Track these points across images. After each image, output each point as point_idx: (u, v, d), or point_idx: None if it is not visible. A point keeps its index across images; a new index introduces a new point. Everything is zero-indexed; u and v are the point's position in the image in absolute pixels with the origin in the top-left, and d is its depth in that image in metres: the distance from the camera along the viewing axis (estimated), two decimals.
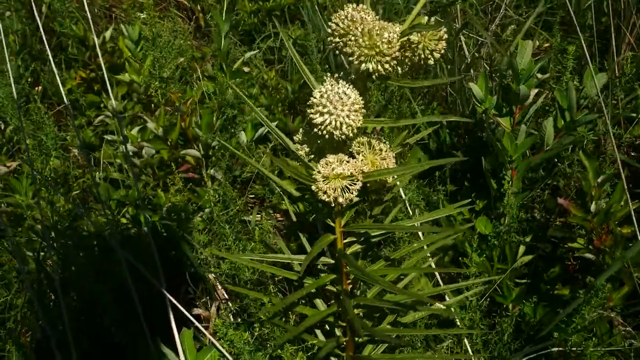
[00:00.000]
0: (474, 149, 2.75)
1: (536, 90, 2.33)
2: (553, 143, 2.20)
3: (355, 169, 1.15)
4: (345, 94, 1.12)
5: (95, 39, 3.47)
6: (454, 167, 2.83)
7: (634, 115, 2.60)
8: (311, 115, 1.12)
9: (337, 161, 1.15)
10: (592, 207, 1.98)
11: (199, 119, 2.90)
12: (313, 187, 1.14)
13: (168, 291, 2.26)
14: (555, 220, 2.45)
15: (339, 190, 1.14)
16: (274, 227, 2.93)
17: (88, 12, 2.19)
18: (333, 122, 1.10)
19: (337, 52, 1.17)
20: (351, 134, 1.13)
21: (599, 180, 2.01)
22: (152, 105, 3.29)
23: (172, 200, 2.71)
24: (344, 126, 1.10)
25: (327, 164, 1.14)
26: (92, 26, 2.28)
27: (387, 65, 1.13)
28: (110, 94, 2.26)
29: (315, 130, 1.12)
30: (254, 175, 2.98)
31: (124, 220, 2.68)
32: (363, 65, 1.12)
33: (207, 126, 2.81)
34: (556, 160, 2.50)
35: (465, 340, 2.10)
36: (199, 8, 4.46)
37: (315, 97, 1.12)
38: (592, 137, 2.25)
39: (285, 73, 3.75)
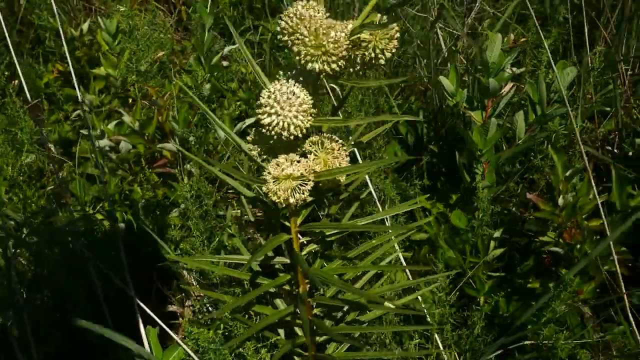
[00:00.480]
0: (450, 142, 2.75)
1: (510, 84, 2.33)
2: (525, 137, 2.20)
3: (306, 169, 1.14)
4: (294, 93, 1.10)
5: (73, 31, 3.45)
6: (431, 160, 2.83)
7: (608, 109, 2.60)
8: (259, 116, 1.11)
9: (288, 161, 1.14)
10: (560, 201, 1.98)
11: (177, 113, 2.88)
12: (264, 189, 1.13)
13: (142, 288, 2.26)
14: (530, 214, 2.46)
15: (290, 191, 1.13)
16: (248, 222, 2.93)
17: (54, 6, 2.16)
18: (280, 123, 1.09)
19: (286, 50, 1.16)
20: (300, 135, 1.11)
21: (567, 174, 2.01)
22: (130, 99, 3.26)
23: (148, 196, 2.70)
24: (292, 127, 1.09)
25: (277, 165, 1.13)
26: (60, 18, 2.26)
27: (334, 65, 1.12)
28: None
29: (264, 131, 1.11)
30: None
31: (99, 216, 2.67)
32: (309, 65, 1.11)
33: (184, 121, 2.79)
34: (532, 154, 2.50)
35: (436, 336, 2.10)
36: (180, 1, 4.43)
37: (263, 97, 1.11)
38: (563, 131, 2.25)
39: (265, 67, 3.73)
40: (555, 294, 1.87)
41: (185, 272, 2.48)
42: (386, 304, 1.15)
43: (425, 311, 2.03)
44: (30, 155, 2.87)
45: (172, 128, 2.74)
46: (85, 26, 3.48)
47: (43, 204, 2.66)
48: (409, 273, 2.10)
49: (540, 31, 1.78)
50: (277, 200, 1.13)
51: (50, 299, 2.37)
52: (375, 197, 2.03)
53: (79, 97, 2.60)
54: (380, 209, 2.13)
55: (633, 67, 2.83)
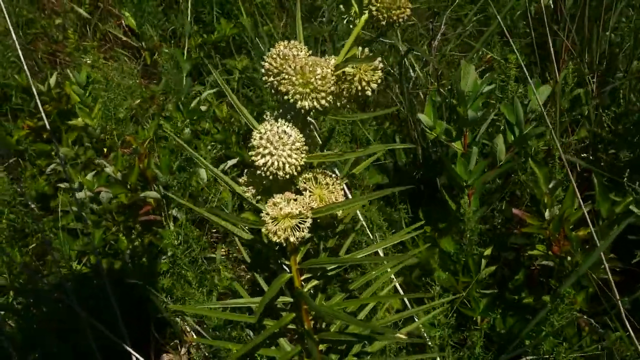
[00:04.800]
0: (429, 167, 2.78)
1: (484, 110, 2.36)
2: (506, 157, 2.22)
3: (303, 207, 1.14)
4: (285, 132, 1.10)
5: (40, 86, 3.43)
6: (412, 183, 2.85)
7: (579, 117, 2.66)
8: (253, 158, 1.10)
9: (285, 200, 1.14)
10: (547, 214, 2.01)
11: (158, 159, 2.87)
12: (263, 230, 1.13)
13: (135, 339, 2.22)
14: (516, 227, 2.48)
15: (289, 230, 1.12)
16: (238, 261, 2.91)
17: (24, 64, 2.15)
18: (275, 163, 1.09)
19: (273, 91, 1.16)
20: (295, 173, 1.11)
21: (550, 186, 2.04)
22: (105, 149, 3.24)
23: (134, 245, 2.67)
24: (287, 166, 1.09)
25: (274, 205, 1.13)
26: (29, 76, 2.24)
27: (323, 102, 1.12)
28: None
29: (259, 172, 1.11)
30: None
31: (85, 270, 2.63)
32: (299, 103, 1.11)
33: (166, 167, 2.78)
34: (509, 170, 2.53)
35: (438, 359, 2.10)
36: (143, 46, 4.43)
37: (255, 139, 1.11)
38: (542, 147, 2.29)
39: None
40: (552, 307, 1.88)
41: (179, 320, 2.44)
42: (397, 334, 1.15)
43: (426, 335, 2.03)
44: (9, 215, 2.82)
45: (155, 175, 2.72)
46: (52, 80, 3.46)
47: (27, 260, 2.61)
48: (406, 299, 2.10)
49: (516, 50, 1.82)
50: (277, 241, 1.12)
51: (44, 358, 2.32)
52: (365, 225, 2.03)
53: (55, 151, 2.58)
54: (371, 236, 2.14)
55: (597, 74, 2.90)
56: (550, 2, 3.03)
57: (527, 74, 1.82)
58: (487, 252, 2.23)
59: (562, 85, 2.37)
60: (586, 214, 1.71)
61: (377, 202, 2.71)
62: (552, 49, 2.44)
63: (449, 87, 3.09)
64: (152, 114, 3.52)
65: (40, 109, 2.38)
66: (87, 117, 3.18)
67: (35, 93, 2.35)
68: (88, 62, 3.77)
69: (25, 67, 2.37)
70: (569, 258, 1.96)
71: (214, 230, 3.06)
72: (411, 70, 3.03)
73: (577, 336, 2.15)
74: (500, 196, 2.45)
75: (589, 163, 2.54)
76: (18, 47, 2.30)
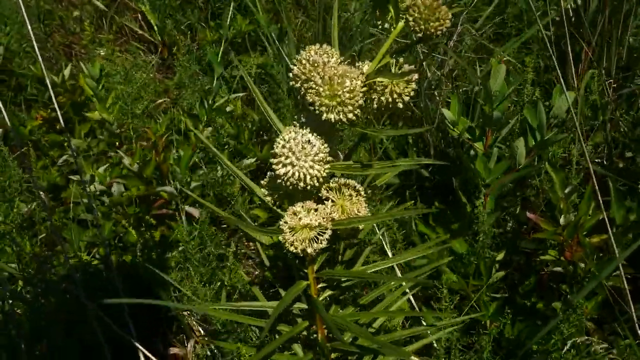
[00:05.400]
0: (443, 167, 2.76)
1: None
2: (525, 162, 2.21)
3: (324, 218, 1.11)
4: (309, 142, 1.07)
5: (55, 77, 3.43)
6: (422, 184, 2.85)
7: (595, 123, 2.64)
8: (273, 166, 1.08)
9: (305, 210, 1.11)
10: (562, 220, 2.00)
11: (175, 153, 2.87)
12: (280, 239, 1.11)
13: (143, 332, 2.22)
14: (527, 231, 2.47)
15: (307, 241, 1.10)
16: (247, 257, 2.91)
17: (39, 55, 2.15)
18: (296, 174, 1.06)
19: (299, 97, 1.13)
20: (317, 184, 1.09)
21: (566, 191, 2.03)
22: (117, 142, 3.24)
23: (145, 238, 2.67)
24: (308, 177, 1.06)
25: (294, 214, 1.11)
26: (43, 67, 2.24)
27: (350, 115, 1.08)
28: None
29: (279, 181, 1.10)
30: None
31: (95, 262, 2.64)
32: (324, 115, 1.08)
33: (186, 163, 2.78)
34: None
35: None
36: (160, 39, 4.43)
37: (277, 146, 1.09)
38: (561, 154, 2.28)
39: (251, 101, 3.73)
40: (564, 317, 1.87)
41: (185, 314, 2.45)
42: (406, 350, 1.14)
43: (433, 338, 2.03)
44: (21, 205, 2.83)
45: (172, 170, 2.71)
46: (66, 72, 3.45)
47: (37, 250, 2.62)
48: (414, 303, 2.09)
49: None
50: (294, 251, 1.11)
51: (50, 350, 2.33)
52: (383, 240, 2.03)
53: (67, 143, 2.58)
54: (385, 246, 2.12)
55: (616, 79, 2.88)
56: (571, 5, 3.00)
57: (557, 78, 1.80)
58: (500, 256, 2.22)
59: (584, 92, 2.34)
60: (607, 220, 1.70)
61: (387, 202, 2.71)
62: (570, 54, 2.42)
63: (465, 87, 3.08)
64: (165, 108, 3.52)
65: (54, 100, 2.38)
66: (105, 111, 3.18)
67: (49, 84, 2.35)
68: (103, 54, 3.77)
69: (40, 57, 2.37)
70: (582, 265, 1.95)
71: (223, 225, 3.06)
72: (428, 72, 3.01)
73: (585, 342, 2.14)
74: (516, 201, 2.43)
75: (603, 168, 2.53)
76: (32, 37, 2.30)
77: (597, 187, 1.83)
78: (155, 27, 4.42)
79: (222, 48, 3.79)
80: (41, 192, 3.03)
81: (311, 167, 1.07)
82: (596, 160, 2.71)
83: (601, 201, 1.78)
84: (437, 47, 3.31)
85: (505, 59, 3.20)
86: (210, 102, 3.12)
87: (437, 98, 3.04)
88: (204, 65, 4.09)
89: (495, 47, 3.38)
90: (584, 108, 2.41)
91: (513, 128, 2.40)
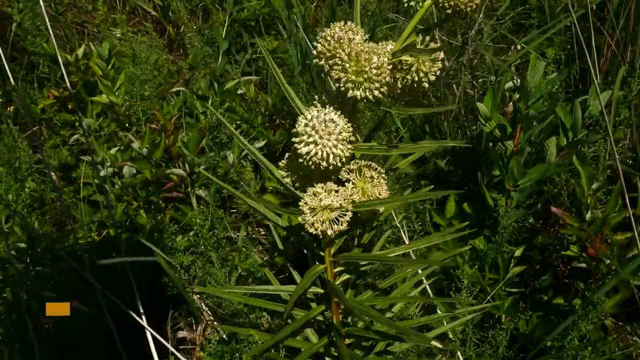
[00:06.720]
0: (459, 160, 2.72)
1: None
2: (555, 161, 2.14)
3: (345, 199, 1.08)
4: (333, 121, 1.03)
5: (68, 56, 3.39)
6: (438, 176, 2.80)
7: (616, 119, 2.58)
8: (295, 145, 1.04)
9: (325, 191, 1.08)
10: (588, 216, 1.95)
11: (184, 135, 2.82)
12: (300, 220, 1.07)
13: (151, 314, 2.20)
14: (546, 227, 2.42)
15: (328, 222, 1.07)
16: (257, 242, 2.88)
17: (51, 33, 2.12)
18: (319, 153, 1.02)
19: (323, 75, 1.09)
20: (339, 164, 1.05)
21: (594, 187, 1.98)
22: (127, 123, 3.21)
23: (155, 221, 2.64)
24: (331, 157, 1.02)
25: (314, 195, 1.07)
26: (56, 45, 2.21)
27: (376, 92, 1.04)
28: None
29: (301, 160, 1.05)
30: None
31: (105, 242, 2.61)
32: (350, 92, 1.03)
33: (194, 145, 2.73)
34: None
35: (459, 353, 2.06)
36: (166, 21, 4.38)
37: (299, 125, 1.04)
38: (591, 153, 2.22)
39: (264, 85, 3.69)
40: (583, 314, 1.83)
41: (196, 297, 2.42)
42: (426, 336, 1.11)
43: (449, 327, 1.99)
44: (30, 183, 2.80)
45: (181, 152, 2.67)
46: (80, 51, 3.41)
47: (47, 230, 2.60)
48: (430, 292, 2.05)
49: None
50: (314, 232, 1.07)
51: (54, 330, 2.32)
52: (397, 220, 1.99)
53: (78, 122, 2.55)
54: (404, 235, 2.08)
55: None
56: None
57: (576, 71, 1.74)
58: (518, 252, 2.17)
59: (624, 92, 2.28)
60: (632, 217, 1.65)
61: (402, 191, 2.66)
62: (593, 46, 2.35)
63: (483, 78, 3.02)
64: (177, 90, 3.47)
65: (66, 79, 2.35)
66: (112, 95, 3.14)
67: (61, 63, 2.32)
68: (117, 34, 3.72)
69: (52, 36, 2.34)
70: (607, 261, 1.90)
71: (233, 210, 3.03)
72: (446, 61, 2.96)
73: (603, 340, 2.10)
74: (543, 199, 2.36)
75: (628, 166, 2.48)
76: (45, 15, 2.26)
77: (622, 181, 1.78)
78: (160, 8, 4.38)
79: (226, 24, 3.73)
80: (52, 173, 3.01)
81: (335, 146, 1.03)
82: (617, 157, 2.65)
83: (627, 198, 1.73)
84: (455, 36, 3.25)
85: (524, 50, 3.14)
86: (217, 81, 3.07)
87: (455, 89, 2.99)
88: (216, 48, 4.04)
89: (516, 38, 3.32)
90: (622, 108, 2.34)
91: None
